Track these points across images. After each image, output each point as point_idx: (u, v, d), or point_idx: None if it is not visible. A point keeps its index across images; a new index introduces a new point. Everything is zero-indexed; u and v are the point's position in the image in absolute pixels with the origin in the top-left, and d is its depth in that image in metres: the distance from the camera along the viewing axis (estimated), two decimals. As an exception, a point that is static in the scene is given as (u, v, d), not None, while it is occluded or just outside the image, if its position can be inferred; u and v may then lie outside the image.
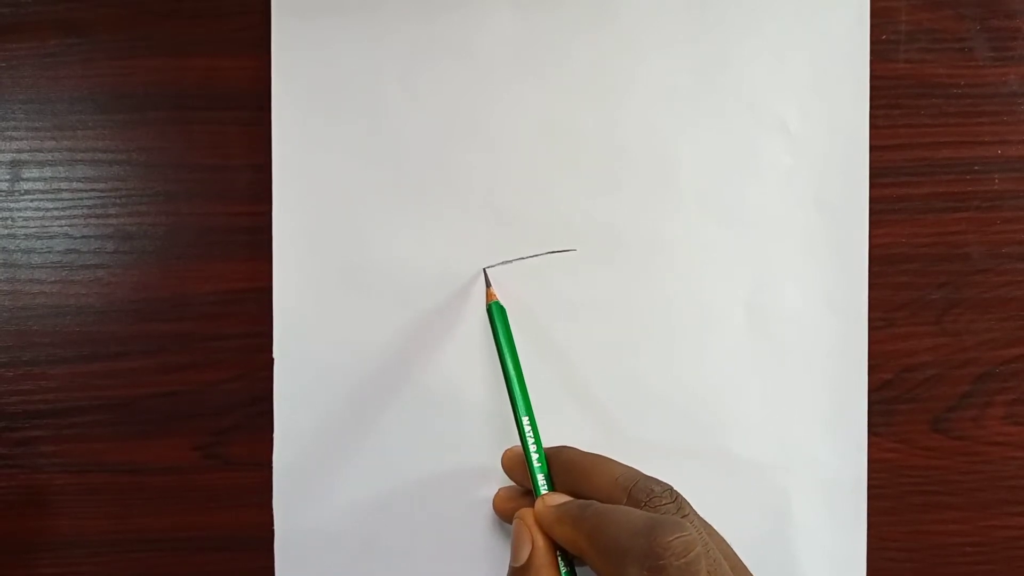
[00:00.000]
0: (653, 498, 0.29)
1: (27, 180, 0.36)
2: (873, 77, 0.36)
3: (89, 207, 0.36)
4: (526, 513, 0.31)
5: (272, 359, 0.36)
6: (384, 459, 0.36)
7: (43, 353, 0.36)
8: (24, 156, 0.36)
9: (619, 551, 0.27)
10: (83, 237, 0.36)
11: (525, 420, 0.32)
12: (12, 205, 0.36)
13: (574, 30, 0.36)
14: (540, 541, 0.30)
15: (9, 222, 0.36)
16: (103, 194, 0.36)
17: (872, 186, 0.36)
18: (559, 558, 0.30)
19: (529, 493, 0.33)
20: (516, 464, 0.34)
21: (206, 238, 0.36)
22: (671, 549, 0.26)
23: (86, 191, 0.36)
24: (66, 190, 0.36)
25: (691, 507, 0.29)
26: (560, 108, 0.36)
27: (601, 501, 0.30)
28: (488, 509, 0.36)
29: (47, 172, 0.36)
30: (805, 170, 0.36)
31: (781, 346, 0.36)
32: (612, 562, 0.27)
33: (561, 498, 0.31)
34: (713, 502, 0.31)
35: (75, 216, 0.36)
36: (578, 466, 0.32)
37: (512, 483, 0.35)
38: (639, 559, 0.26)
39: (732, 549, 0.29)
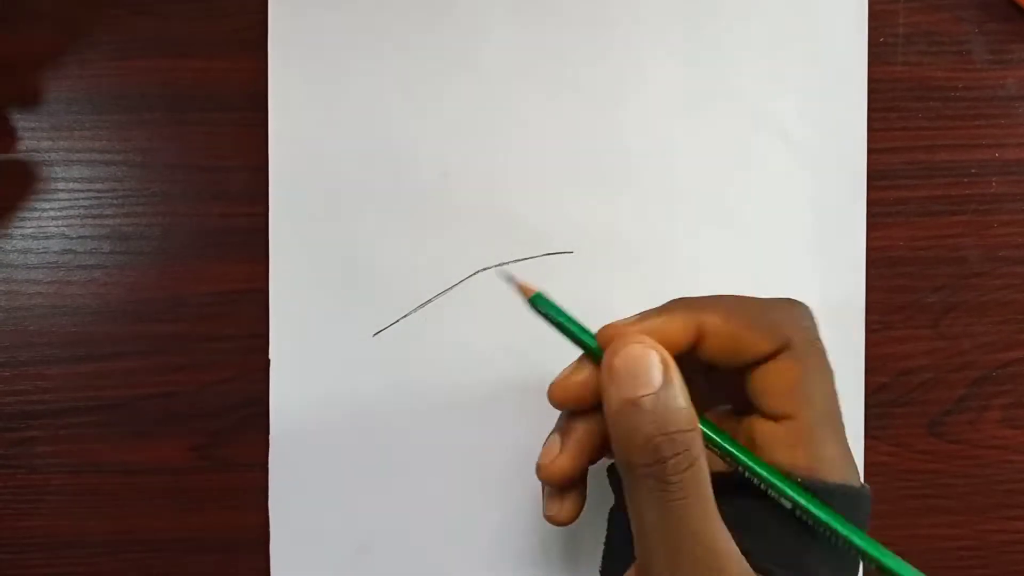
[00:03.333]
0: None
1: (24, 180, 0.36)
2: (871, 80, 0.36)
3: (85, 208, 0.36)
4: (625, 332, 0.25)
5: (268, 360, 0.36)
6: (379, 461, 0.36)
7: (39, 353, 0.36)
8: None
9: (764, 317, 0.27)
10: (79, 238, 0.36)
11: None
12: (8, 205, 0.36)
13: (571, 33, 0.36)
14: (667, 353, 0.24)
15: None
16: (99, 195, 0.36)
17: (869, 189, 0.36)
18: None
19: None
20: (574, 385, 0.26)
21: (203, 239, 0.36)
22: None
23: (82, 192, 0.36)
24: (63, 191, 0.36)
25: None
26: (557, 111, 0.36)
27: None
28: (489, 511, 0.36)
29: (43, 173, 0.36)
30: (803, 173, 0.36)
31: (778, 349, 0.36)
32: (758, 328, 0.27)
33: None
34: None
35: (71, 217, 0.36)
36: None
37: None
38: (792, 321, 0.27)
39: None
